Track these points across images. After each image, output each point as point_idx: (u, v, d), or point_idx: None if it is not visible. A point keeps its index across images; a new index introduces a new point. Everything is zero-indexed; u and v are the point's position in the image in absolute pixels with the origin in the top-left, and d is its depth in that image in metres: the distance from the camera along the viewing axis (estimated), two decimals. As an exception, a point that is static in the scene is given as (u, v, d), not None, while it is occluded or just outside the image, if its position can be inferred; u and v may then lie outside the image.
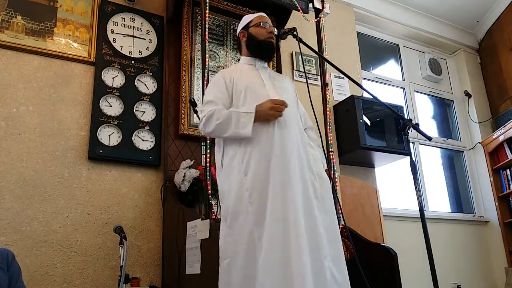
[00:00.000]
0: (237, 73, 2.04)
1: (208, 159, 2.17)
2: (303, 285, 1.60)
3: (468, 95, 4.97)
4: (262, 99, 1.89)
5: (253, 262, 1.71)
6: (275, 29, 2.12)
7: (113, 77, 2.87)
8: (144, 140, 2.85)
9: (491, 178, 4.51)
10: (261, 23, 2.09)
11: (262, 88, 1.98)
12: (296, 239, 1.68)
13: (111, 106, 2.81)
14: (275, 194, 1.75)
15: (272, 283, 1.64)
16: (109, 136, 2.75)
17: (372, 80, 4.50)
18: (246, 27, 2.12)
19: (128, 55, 2.97)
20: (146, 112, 2.91)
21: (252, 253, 1.72)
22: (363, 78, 4.29)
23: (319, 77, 3.60)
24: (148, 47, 3.07)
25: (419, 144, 4.56)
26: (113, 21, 3.00)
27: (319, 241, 1.76)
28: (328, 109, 2.78)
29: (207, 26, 2.40)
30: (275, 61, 3.38)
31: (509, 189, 4.35)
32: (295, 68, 3.73)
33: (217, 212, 2.47)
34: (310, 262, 1.67)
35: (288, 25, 3.31)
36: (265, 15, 2.16)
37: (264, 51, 2.09)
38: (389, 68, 4.82)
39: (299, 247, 1.66)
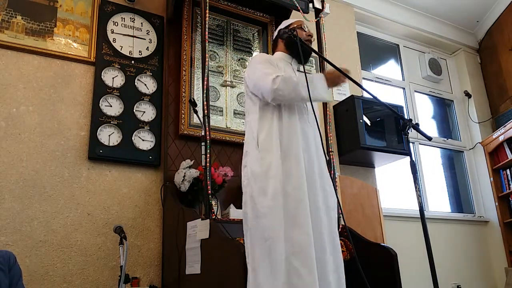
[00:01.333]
0: (277, 61, 2.12)
1: (208, 159, 2.17)
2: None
3: (468, 95, 4.97)
4: None
5: (291, 238, 1.77)
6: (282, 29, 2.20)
7: (113, 77, 2.87)
8: (144, 140, 2.85)
9: (491, 178, 4.51)
10: (302, 26, 2.21)
11: None
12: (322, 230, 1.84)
13: (111, 106, 2.81)
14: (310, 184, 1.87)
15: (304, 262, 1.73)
16: (109, 136, 2.75)
17: (372, 80, 4.50)
18: (287, 28, 2.22)
19: (128, 55, 2.97)
20: (146, 112, 2.91)
21: (289, 231, 1.78)
22: (363, 78, 4.29)
23: (319, 77, 3.60)
24: (148, 47, 3.07)
25: (419, 144, 4.56)
26: (113, 21, 3.00)
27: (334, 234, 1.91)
28: (328, 109, 2.78)
29: (207, 26, 2.41)
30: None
31: (509, 189, 4.35)
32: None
33: (217, 212, 2.47)
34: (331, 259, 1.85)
35: (288, 25, 3.30)
36: (299, 20, 2.28)
37: (307, 55, 2.18)
38: (389, 68, 4.82)
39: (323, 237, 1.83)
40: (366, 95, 3.65)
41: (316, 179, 1.91)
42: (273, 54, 2.28)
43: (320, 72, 2.99)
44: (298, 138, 1.92)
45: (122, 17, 3.05)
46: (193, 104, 2.45)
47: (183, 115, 2.87)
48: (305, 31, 2.19)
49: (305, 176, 1.87)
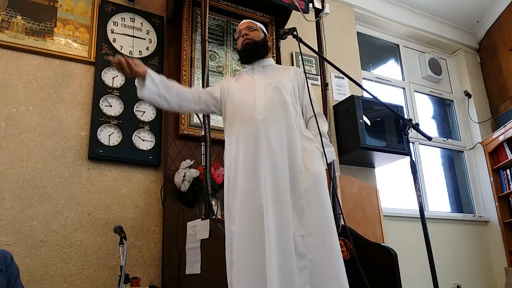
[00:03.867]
0: (233, 80, 2.17)
1: (208, 159, 2.17)
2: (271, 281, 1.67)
3: (468, 95, 4.98)
4: (245, 98, 2.01)
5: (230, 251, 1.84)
6: (259, 25, 2.19)
7: (113, 77, 2.87)
8: (144, 140, 2.85)
9: (491, 178, 4.51)
10: (236, 34, 2.22)
11: (249, 88, 2.05)
12: (260, 236, 1.76)
13: (111, 106, 2.81)
14: (244, 190, 1.85)
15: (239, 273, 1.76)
16: (109, 136, 2.75)
17: (372, 80, 4.50)
18: None
19: (128, 55, 2.97)
20: (146, 112, 2.91)
21: (230, 244, 1.84)
22: (363, 78, 4.29)
23: (319, 77, 3.60)
24: (148, 47, 3.07)
25: (419, 144, 4.56)
26: (113, 21, 3.00)
27: (288, 237, 1.76)
28: (328, 108, 2.78)
29: (207, 26, 2.41)
30: (274, 60, 3.37)
31: (509, 189, 4.35)
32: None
33: (217, 212, 2.47)
34: (277, 262, 1.71)
35: (288, 25, 3.31)
36: (243, 21, 2.24)
37: (243, 57, 2.19)
38: (389, 68, 4.82)
39: (267, 245, 1.73)
40: (366, 95, 3.65)
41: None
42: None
43: (320, 72, 2.99)
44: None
45: (122, 17, 3.05)
46: (193, 104, 2.45)
47: (183, 115, 2.88)
48: (239, 36, 2.16)
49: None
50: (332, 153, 2.06)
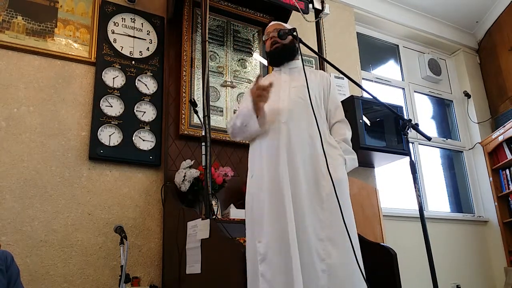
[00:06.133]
0: (269, 78, 2.14)
1: (208, 159, 2.18)
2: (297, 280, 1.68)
3: (467, 95, 4.98)
4: (272, 99, 1.96)
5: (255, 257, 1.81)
6: (282, 29, 2.11)
7: (114, 78, 2.88)
8: (144, 140, 2.85)
9: (491, 178, 4.52)
10: (264, 36, 2.20)
11: (274, 90, 2.01)
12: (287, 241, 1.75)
13: (111, 106, 2.82)
14: (269, 196, 1.85)
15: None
16: (110, 136, 2.75)
17: (371, 81, 4.50)
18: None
19: (129, 55, 2.98)
20: (146, 112, 2.92)
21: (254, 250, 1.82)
22: (363, 79, 4.29)
23: (319, 78, 3.60)
24: (148, 48, 3.07)
25: (419, 144, 4.57)
26: (114, 22, 3.01)
27: (307, 240, 1.78)
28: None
29: (207, 26, 2.41)
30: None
31: (509, 189, 4.36)
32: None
33: (217, 212, 2.48)
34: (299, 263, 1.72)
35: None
36: (271, 23, 2.22)
37: (273, 60, 2.19)
38: (389, 69, 4.83)
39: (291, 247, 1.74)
40: (366, 95, 3.66)
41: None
42: None
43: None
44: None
45: (122, 18, 3.05)
46: (194, 104, 2.46)
47: (183, 115, 2.88)
48: (268, 39, 2.15)
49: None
50: (354, 161, 2.05)
